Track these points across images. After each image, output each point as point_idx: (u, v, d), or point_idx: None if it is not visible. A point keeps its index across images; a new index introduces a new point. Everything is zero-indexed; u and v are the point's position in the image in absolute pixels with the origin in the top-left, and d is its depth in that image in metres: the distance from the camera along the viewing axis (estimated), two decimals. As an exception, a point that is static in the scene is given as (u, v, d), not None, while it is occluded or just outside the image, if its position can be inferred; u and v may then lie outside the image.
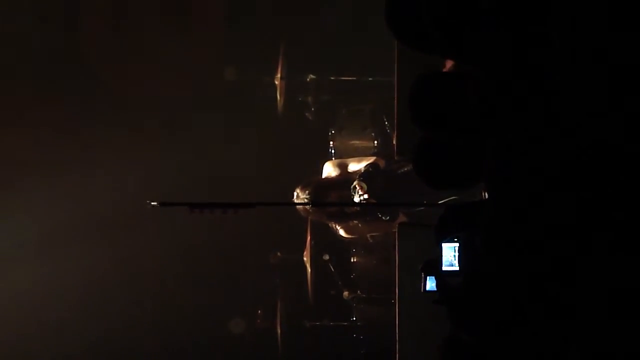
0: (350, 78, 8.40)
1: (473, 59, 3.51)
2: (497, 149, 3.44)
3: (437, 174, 3.81)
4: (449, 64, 4.03)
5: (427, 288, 3.88)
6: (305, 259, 8.03)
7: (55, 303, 8.11)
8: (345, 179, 7.18)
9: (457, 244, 3.75)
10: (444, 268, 3.76)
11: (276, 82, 8.34)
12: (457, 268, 3.75)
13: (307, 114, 8.50)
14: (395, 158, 6.82)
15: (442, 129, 3.65)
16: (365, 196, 6.89)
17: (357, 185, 6.90)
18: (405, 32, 3.69)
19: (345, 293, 7.96)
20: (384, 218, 7.11)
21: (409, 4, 3.60)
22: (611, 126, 3.21)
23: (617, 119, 3.20)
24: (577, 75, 3.25)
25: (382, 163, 7.14)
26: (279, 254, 8.31)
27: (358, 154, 7.75)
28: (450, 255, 3.76)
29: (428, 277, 3.86)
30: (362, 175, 7.00)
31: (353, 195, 6.92)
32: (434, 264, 3.82)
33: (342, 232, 7.41)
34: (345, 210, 7.22)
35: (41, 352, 8.06)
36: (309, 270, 8.01)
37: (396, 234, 6.15)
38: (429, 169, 3.80)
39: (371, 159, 7.25)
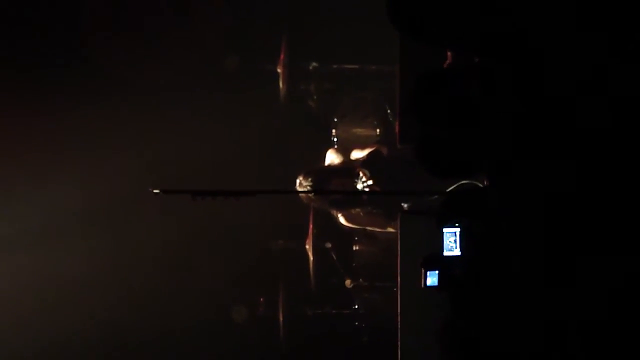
0: (352, 66, 8.39)
1: (474, 52, 3.52)
2: (498, 142, 3.45)
3: (440, 165, 3.81)
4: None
5: (428, 283, 3.89)
6: (307, 246, 8.04)
7: (56, 292, 8.11)
8: (347, 166, 7.19)
9: (458, 229, 3.76)
10: (445, 253, 3.77)
11: (278, 71, 8.33)
12: (458, 253, 3.76)
13: (309, 102, 8.49)
14: (398, 146, 6.81)
15: (444, 125, 3.66)
16: (369, 182, 6.89)
17: (360, 172, 6.90)
18: (407, 25, 3.68)
19: (347, 281, 7.97)
20: (383, 211, 7.12)
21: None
22: (605, 115, 3.22)
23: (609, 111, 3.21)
24: (573, 69, 3.26)
25: (385, 151, 7.14)
26: (281, 241, 8.32)
27: (360, 142, 7.75)
28: (451, 240, 3.77)
29: (429, 272, 3.87)
30: (365, 163, 7.00)
31: (356, 182, 6.92)
32: (434, 259, 3.83)
33: (342, 220, 7.41)
34: (348, 197, 7.23)
35: (43, 340, 8.07)
36: (311, 258, 8.02)
37: (398, 222, 6.14)
38: (432, 161, 3.80)
39: (374, 147, 7.25)
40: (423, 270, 3.87)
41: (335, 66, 8.43)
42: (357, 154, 7.29)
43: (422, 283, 3.89)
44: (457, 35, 3.51)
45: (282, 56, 8.30)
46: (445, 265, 3.79)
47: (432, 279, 3.85)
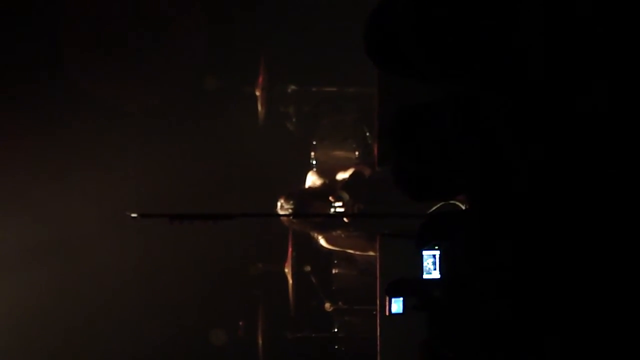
0: (331, 89, 8.39)
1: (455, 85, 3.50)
2: (479, 169, 3.43)
3: (418, 189, 3.79)
4: None
5: (393, 311, 3.84)
6: (286, 270, 8.01)
7: (32, 316, 8.04)
8: (329, 188, 7.17)
9: (437, 252, 3.73)
10: (424, 276, 3.74)
11: (257, 93, 8.31)
12: (437, 276, 3.73)
13: (288, 125, 8.48)
14: (377, 169, 6.81)
15: (425, 158, 3.64)
16: (340, 209, 6.88)
17: (331, 198, 6.90)
18: (387, 61, 3.65)
19: (327, 304, 7.94)
20: (364, 234, 7.10)
21: (389, 32, 3.56)
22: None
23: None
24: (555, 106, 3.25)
25: (367, 172, 7.13)
26: (260, 265, 8.29)
27: (340, 164, 7.73)
28: (430, 262, 3.74)
29: (393, 299, 3.83)
30: (346, 185, 6.99)
31: (330, 207, 6.93)
32: (399, 285, 3.79)
33: (323, 242, 7.39)
34: (329, 219, 7.21)
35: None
36: (290, 281, 7.99)
37: (377, 244, 6.12)
38: (410, 185, 3.78)
39: (354, 169, 7.24)
40: (387, 298, 3.81)
41: (314, 89, 8.43)
42: (339, 176, 7.28)
43: (387, 310, 3.83)
44: (440, 72, 3.49)
45: (260, 79, 8.29)
46: (424, 289, 3.75)
47: (397, 305, 3.79)
